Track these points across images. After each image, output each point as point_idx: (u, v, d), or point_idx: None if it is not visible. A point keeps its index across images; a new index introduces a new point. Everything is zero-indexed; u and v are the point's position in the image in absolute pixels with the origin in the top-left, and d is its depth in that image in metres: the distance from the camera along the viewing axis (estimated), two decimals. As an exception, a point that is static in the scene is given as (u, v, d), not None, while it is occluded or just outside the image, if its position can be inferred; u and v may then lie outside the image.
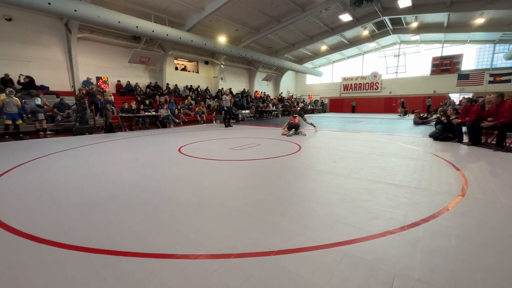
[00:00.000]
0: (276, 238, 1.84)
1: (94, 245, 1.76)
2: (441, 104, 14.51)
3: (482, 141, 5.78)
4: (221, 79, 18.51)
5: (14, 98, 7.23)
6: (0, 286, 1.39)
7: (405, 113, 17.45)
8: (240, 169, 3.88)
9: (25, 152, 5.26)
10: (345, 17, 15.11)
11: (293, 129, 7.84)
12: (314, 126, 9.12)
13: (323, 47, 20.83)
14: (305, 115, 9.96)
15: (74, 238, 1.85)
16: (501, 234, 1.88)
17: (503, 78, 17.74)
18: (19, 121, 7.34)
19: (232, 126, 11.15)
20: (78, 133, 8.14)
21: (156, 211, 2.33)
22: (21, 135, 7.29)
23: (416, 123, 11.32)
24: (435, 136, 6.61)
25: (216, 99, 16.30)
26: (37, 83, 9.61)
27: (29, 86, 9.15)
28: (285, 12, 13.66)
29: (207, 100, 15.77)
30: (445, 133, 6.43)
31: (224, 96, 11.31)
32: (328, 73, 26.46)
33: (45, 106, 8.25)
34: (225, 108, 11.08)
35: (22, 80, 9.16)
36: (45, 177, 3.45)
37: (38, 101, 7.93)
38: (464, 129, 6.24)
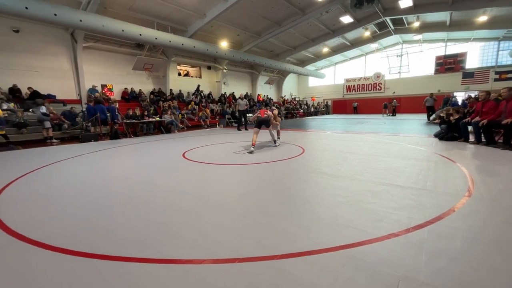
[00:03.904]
0: (280, 241, 1.84)
1: (100, 250, 1.78)
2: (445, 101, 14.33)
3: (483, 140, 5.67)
4: (224, 83, 18.65)
5: None
6: (9, 293, 1.42)
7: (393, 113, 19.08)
8: (243, 173, 3.89)
9: (33, 160, 5.36)
10: (346, 19, 15.15)
11: (262, 126, 5.76)
12: (278, 138, 6.53)
13: (325, 49, 20.85)
14: (278, 117, 6.62)
15: (80, 244, 1.88)
16: (508, 235, 1.85)
17: (509, 75, 17.48)
18: (1, 131, 7.01)
19: (241, 130, 11.04)
20: (84, 140, 8.27)
21: (161, 216, 2.35)
22: (10, 145, 7.07)
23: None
24: (440, 136, 6.54)
25: (219, 103, 16.44)
26: (44, 92, 9.82)
27: (35, 96, 9.37)
28: (286, 16, 13.75)
29: (210, 104, 15.89)
30: (451, 132, 6.35)
31: (238, 100, 11.51)
32: (330, 75, 26.45)
33: (51, 114, 8.41)
34: (238, 111, 11.34)
35: (25, 96, 9.33)
36: (52, 185, 3.52)
37: (43, 109, 8.08)
38: (470, 128, 6.16)
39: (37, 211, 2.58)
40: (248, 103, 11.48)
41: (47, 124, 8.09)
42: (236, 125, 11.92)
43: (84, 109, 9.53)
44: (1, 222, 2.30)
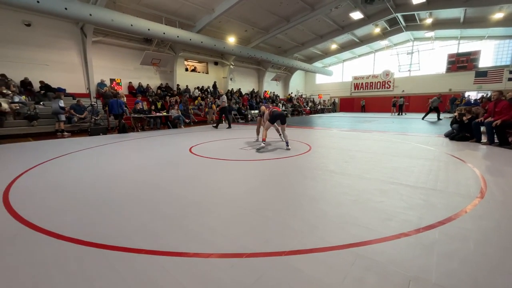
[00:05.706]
0: (287, 238, 1.83)
1: (111, 242, 1.81)
2: (457, 102, 14.00)
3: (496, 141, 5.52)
4: (231, 79, 18.62)
5: None
6: (22, 281, 1.45)
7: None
8: (250, 169, 3.89)
9: (45, 152, 5.47)
10: (356, 15, 14.85)
11: (279, 122, 5.22)
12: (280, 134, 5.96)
13: (333, 46, 20.55)
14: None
15: (92, 235, 1.91)
16: (524, 238, 1.80)
17: (524, 75, 16.94)
18: None
19: (217, 128, 10.43)
20: (93, 134, 8.40)
21: (169, 210, 2.37)
22: None
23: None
24: (451, 136, 6.40)
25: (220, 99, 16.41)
26: (55, 85, 9.98)
27: (46, 89, 9.53)
28: (295, 12, 13.57)
29: (216, 100, 15.90)
30: (462, 132, 6.20)
31: (221, 97, 10.80)
32: (338, 72, 26.07)
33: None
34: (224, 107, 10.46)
35: (38, 89, 9.48)
36: (64, 176, 3.58)
37: (62, 103, 8.20)
38: (482, 128, 6.00)
39: (48, 202, 2.63)
40: (226, 99, 10.37)
41: (62, 117, 8.25)
42: (243, 121, 11.79)
43: (93, 103, 9.65)
44: (14, 211, 2.36)
